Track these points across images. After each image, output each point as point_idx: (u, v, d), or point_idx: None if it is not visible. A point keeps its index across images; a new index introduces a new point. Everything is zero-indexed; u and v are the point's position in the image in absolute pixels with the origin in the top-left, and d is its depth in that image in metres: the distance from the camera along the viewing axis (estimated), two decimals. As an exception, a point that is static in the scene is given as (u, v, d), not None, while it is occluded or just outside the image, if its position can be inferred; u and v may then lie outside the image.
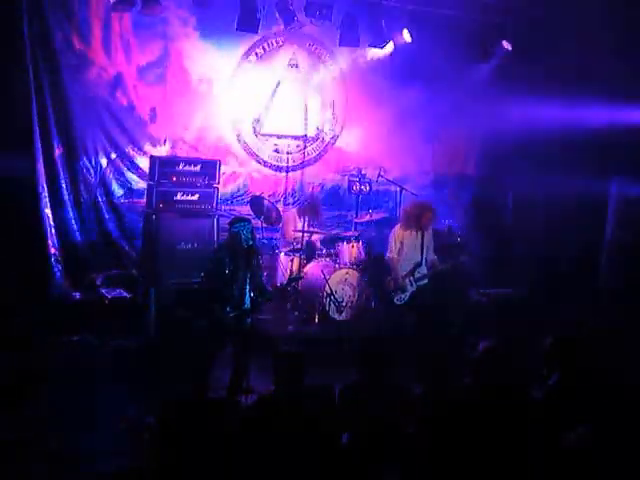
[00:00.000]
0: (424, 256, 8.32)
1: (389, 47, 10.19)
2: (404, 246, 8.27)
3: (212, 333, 6.70)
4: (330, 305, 8.90)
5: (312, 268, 9.23)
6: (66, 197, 9.13)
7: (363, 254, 9.56)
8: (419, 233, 8.29)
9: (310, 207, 9.69)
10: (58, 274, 8.99)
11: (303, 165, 10.71)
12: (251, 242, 6.72)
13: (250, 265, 6.72)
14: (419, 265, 8.28)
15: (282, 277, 9.39)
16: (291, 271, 9.27)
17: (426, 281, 8.33)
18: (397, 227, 8.43)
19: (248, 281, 6.70)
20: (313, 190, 10.19)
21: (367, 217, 9.97)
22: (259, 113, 10.24)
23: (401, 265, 8.28)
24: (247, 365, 6.71)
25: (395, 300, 8.35)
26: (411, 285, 8.30)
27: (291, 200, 10.50)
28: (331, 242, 9.80)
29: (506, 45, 10.42)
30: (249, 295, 6.72)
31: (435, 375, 5.14)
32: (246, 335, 6.72)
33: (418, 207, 8.37)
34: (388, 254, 8.35)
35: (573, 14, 9.56)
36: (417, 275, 8.28)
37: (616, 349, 7.56)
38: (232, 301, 6.62)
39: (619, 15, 9.17)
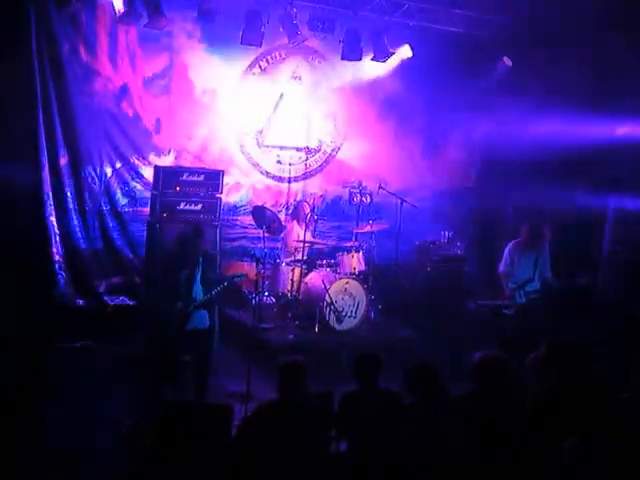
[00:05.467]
0: (536, 273, 8.35)
1: (391, 61, 10.26)
2: (517, 262, 8.35)
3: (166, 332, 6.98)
4: (330, 315, 8.94)
5: (313, 278, 9.29)
6: (71, 205, 9.21)
7: (363, 264, 9.64)
8: (533, 251, 8.35)
9: (295, 211, 9.93)
10: (62, 281, 9.06)
11: (305, 176, 10.80)
12: (199, 242, 7.06)
13: (201, 265, 7.00)
14: (530, 281, 8.32)
15: (284, 287, 9.43)
16: (292, 281, 9.33)
17: (538, 296, 8.36)
18: (512, 243, 8.52)
19: (197, 280, 6.97)
20: (299, 197, 10.32)
21: (367, 228, 9.97)
22: (262, 125, 10.33)
23: (511, 278, 8.38)
24: (206, 366, 7.05)
25: (504, 311, 8.41)
26: (520, 297, 8.34)
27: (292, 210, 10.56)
28: (332, 252, 9.89)
29: (507, 61, 10.51)
30: (200, 293, 6.99)
31: (433, 385, 5.17)
32: (200, 335, 7.03)
33: (533, 227, 8.44)
34: (501, 268, 8.46)
35: (573, 30, 9.63)
36: (527, 289, 8.32)
37: (611, 362, 7.63)
38: (180, 298, 6.91)
39: (618, 33, 9.25)
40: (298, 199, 10.66)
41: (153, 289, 7.21)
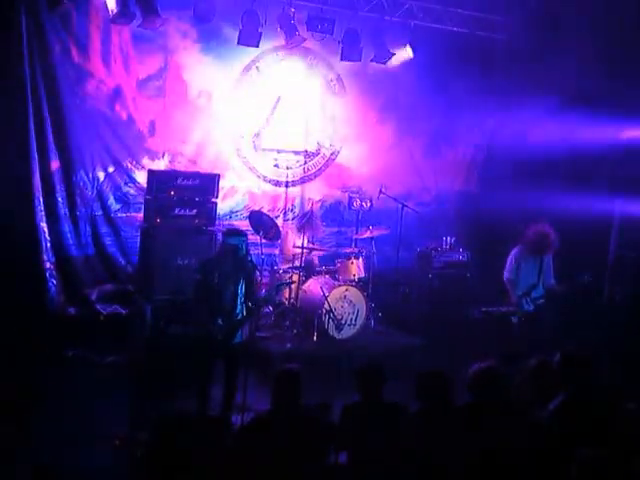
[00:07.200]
0: (541, 279, 8.29)
1: (391, 62, 10.11)
2: (522, 268, 8.28)
3: (201, 346, 6.69)
4: (329, 322, 8.79)
5: (311, 285, 9.13)
6: (62, 211, 9.06)
7: (363, 271, 9.46)
8: (538, 257, 8.26)
9: (308, 222, 9.61)
10: (53, 289, 8.92)
11: (303, 180, 10.67)
12: (244, 255, 6.70)
13: (243, 277, 6.69)
14: (535, 287, 8.26)
15: (281, 294, 9.28)
16: (289, 288, 9.17)
17: (543, 300, 8.30)
18: (517, 249, 8.43)
19: (241, 293, 6.67)
20: (312, 206, 10.03)
21: (367, 234, 9.84)
22: (259, 127, 10.20)
23: (517, 285, 8.29)
24: (237, 380, 6.69)
25: (512, 318, 8.36)
26: (527, 304, 8.26)
27: (290, 216, 10.43)
28: (331, 259, 9.73)
29: (508, 62, 10.39)
30: (242, 306, 6.70)
31: (435, 394, 5.04)
32: (236, 349, 6.71)
33: (541, 233, 8.31)
34: (506, 274, 8.37)
35: (574, 33, 9.53)
36: (534, 295, 8.25)
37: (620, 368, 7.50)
38: (222, 313, 6.59)
39: (619, 34, 9.14)
40: (297, 204, 10.54)
41: (196, 305, 6.95)
